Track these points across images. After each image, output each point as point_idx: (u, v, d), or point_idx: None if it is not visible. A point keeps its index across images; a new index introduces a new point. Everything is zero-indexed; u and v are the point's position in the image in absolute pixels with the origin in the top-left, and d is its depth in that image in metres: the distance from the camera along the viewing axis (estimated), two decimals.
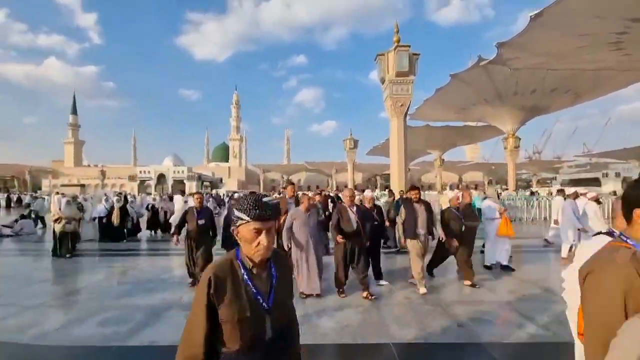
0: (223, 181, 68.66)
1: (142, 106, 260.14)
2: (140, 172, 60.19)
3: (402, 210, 4.72)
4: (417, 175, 72.63)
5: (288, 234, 4.27)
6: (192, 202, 5.53)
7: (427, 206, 4.61)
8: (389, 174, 16.87)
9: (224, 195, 23.87)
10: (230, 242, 5.24)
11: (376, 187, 62.10)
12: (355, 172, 37.83)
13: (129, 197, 12.32)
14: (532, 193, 21.22)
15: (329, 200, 9.27)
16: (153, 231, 10.20)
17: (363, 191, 10.21)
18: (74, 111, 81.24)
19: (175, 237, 4.73)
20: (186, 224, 4.72)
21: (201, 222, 4.64)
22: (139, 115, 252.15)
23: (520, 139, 28.06)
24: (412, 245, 4.50)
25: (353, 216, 4.25)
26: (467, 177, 73.80)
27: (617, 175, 53.11)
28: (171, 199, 10.79)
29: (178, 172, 58.91)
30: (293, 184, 5.70)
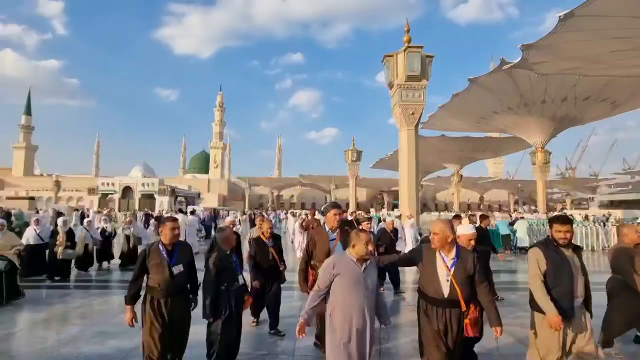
0: (201, 196, 68.32)
1: (110, 107, 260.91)
2: (103, 184, 59.83)
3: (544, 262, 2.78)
4: (431, 193, 72.94)
5: (316, 299, 2.62)
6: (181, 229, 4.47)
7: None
8: (397, 191, 16.88)
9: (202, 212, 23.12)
10: (219, 310, 3.23)
11: (382, 206, 62.14)
12: (358, 187, 37.93)
13: (85, 216, 11.90)
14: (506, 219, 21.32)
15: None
16: (104, 262, 9.28)
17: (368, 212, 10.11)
18: (28, 111, 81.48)
19: (129, 312, 2.99)
20: (147, 276, 3.05)
21: (177, 269, 3.05)
22: (105, 118, 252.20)
23: (550, 153, 28.52)
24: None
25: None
26: (490, 195, 74.25)
27: None
28: (144, 220, 10.55)
29: (147, 184, 58.55)
30: (339, 207, 3.83)
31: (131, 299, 3.02)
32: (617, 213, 30.62)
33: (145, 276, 3.07)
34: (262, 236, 4.63)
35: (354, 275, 2.53)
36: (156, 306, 3.00)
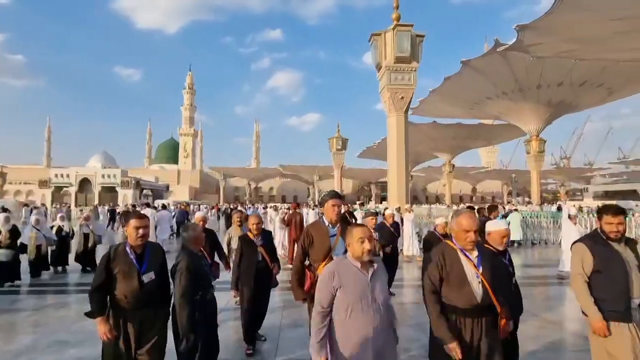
0: (170, 188, 66.98)
1: (62, 88, 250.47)
2: (56, 175, 57.58)
3: None
4: (422, 184, 74.26)
5: (322, 321, 2.21)
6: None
7: None
8: (385, 182, 17.08)
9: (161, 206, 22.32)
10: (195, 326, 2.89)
11: (370, 198, 62.83)
12: (343, 178, 38.17)
13: (34, 213, 11.03)
14: (560, 208, 22.16)
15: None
16: (59, 267, 8.83)
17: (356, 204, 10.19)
18: None
19: (101, 325, 2.65)
20: (114, 286, 2.67)
21: (147, 277, 2.72)
22: (57, 100, 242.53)
23: (545, 141, 29.49)
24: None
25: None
26: (483, 187, 76.36)
27: None
28: (121, 214, 10.25)
29: (108, 176, 56.83)
30: (339, 196, 3.41)
31: (99, 310, 2.67)
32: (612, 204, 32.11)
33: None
34: (249, 234, 4.30)
35: (359, 287, 2.15)
36: (121, 322, 2.69)
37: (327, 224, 3.30)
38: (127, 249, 2.72)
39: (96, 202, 50.42)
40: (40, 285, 7.64)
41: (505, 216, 14.87)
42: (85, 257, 8.72)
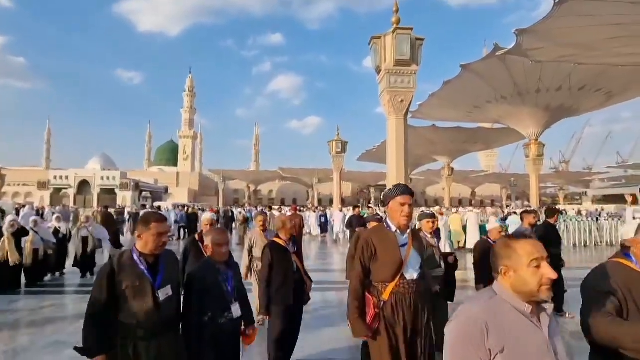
0: (169, 190, 66.94)
1: (63, 90, 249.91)
2: (55, 177, 57.52)
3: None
4: (421, 187, 74.31)
5: None
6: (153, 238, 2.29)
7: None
8: (384, 185, 17.07)
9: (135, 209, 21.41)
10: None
11: (369, 202, 62.78)
12: (343, 182, 38.16)
13: (30, 216, 10.39)
14: (560, 213, 22.24)
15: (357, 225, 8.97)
16: (56, 273, 8.35)
17: (359, 207, 10.42)
18: None
19: None
20: (120, 308, 2.06)
21: (164, 293, 2.13)
22: (58, 102, 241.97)
23: (544, 145, 29.53)
24: None
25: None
26: (482, 190, 76.43)
27: None
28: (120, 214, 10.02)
29: (107, 178, 56.80)
30: (410, 192, 2.50)
31: (98, 345, 1.97)
32: (610, 208, 32.21)
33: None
34: (278, 240, 3.47)
35: (535, 351, 1.21)
36: (132, 355, 1.99)
37: (394, 229, 2.43)
38: (135, 257, 2.09)
39: (95, 203, 50.38)
40: (37, 285, 7.61)
41: (504, 219, 14.95)
42: (84, 262, 8.21)
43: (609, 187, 68.60)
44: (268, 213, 21.09)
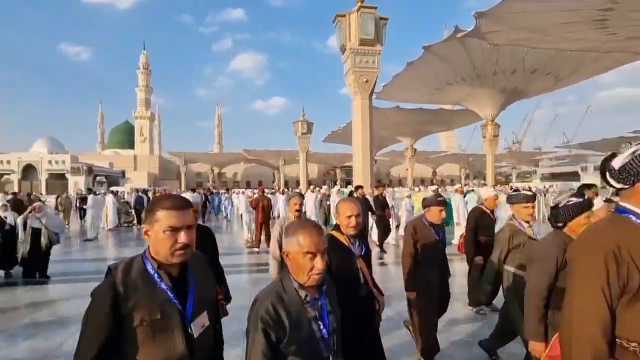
0: (126, 175, 63.68)
1: (1, 67, 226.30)
2: None
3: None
4: (385, 169, 76.13)
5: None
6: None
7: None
8: (350, 166, 17.32)
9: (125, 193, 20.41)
10: None
11: (335, 183, 63.49)
12: (309, 163, 38.18)
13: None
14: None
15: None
16: (2, 271, 7.15)
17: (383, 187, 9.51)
18: None
19: None
20: (131, 355, 1.22)
21: (198, 326, 1.33)
22: None
23: (499, 126, 31.14)
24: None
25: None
26: (443, 170, 79.68)
27: (596, 169, 62.31)
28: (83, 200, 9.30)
29: (56, 162, 52.85)
30: None
31: None
32: (557, 185, 34.89)
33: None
34: (338, 235, 2.31)
35: None
36: None
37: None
38: (151, 270, 1.28)
39: (43, 190, 46.99)
40: None
41: (465, 195, 15.75)
42: (35, 262, 6.77)
43: (556, 165, 74.03)
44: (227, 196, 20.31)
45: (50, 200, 20.05)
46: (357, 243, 2.33)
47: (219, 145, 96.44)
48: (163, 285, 1.26)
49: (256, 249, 9.45)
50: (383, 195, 9.40)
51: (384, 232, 9.27)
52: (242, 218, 12.12)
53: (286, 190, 25.60)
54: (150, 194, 16.94)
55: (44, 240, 6.74)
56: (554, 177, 60.24)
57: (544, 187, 31.32)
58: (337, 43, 13.52)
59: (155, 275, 1.28)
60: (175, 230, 1.26)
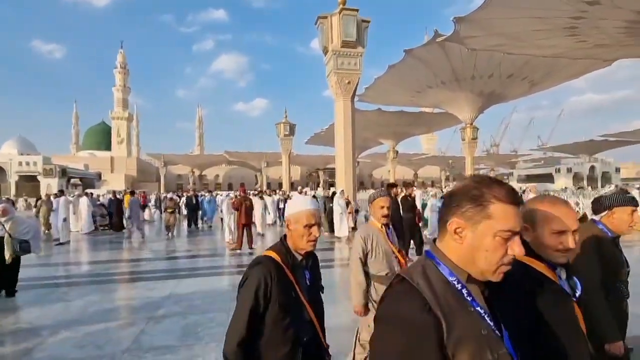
0: (103, 177, 61.84)
1: None
2: None
3: None
4: (368, 170, 76.82)
5: None
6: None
7: None
8: (333, 168, 17.42)
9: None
10: None
11: (318, 185, 63.53)
12: (291, 165, 38.13)
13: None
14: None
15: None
16: None
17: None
18: None
19: None
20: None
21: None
22: None
23: (478, 129, 31.97)
24: None
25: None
26: (424, 172, 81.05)
27: (569, 170, 64.97)
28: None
29: (27, 163, 50.77)
30: None
31: None
32: (532, 186, 36.04)
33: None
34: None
35: None
36: None
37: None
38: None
39: (13, 193, 45.04)
40: None
41: (442, 197, 16.17)
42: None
43: (531, 167, 76.65)
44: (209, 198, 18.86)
45: (21, 203, 19.19)
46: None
47: (200, 147, 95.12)
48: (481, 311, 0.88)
49: (238, 251, 9.36)
50: (412, 196, 8.43)
51: (419, 240, 8.00)
52: (222, 221, 12.02)
53: (275, 191, 25.22)
54: (118, 196, 15.77)
55: (7, 252, 5.47)
56: (529, 179, 62.30)
57: (520, 188, 32.33)
58: (320, 45, 13.60)
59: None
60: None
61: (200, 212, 16.15)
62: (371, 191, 18.10)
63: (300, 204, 1.61)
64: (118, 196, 15.57)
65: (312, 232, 1.55)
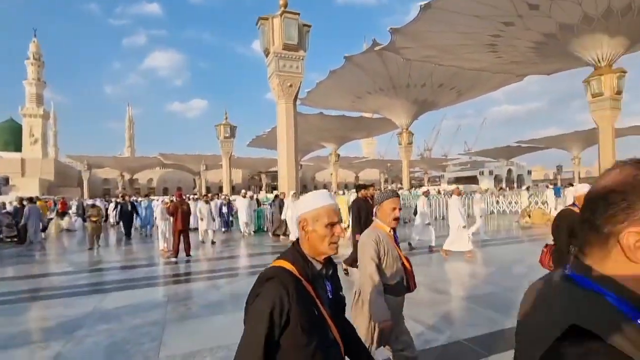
0: (11, 181, 54.36)
1: None
2: None
3: None
4: (311, 173, 77.55)
5: None
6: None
7: None
8: (276, 172, 17.28)
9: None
10: None
11: (260, 188, 62.60)
12: (233, 168, 37.05)
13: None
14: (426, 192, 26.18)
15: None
16: None
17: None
18: None
19: None
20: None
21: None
22: None
23: (413, 134, 34.03)
24: None
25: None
26: (364, 175, 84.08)
27: (491, 173, 72.14)
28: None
29: None
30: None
31: None
32: (455, 188, 39.27)
33: None
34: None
35: None
36: None
37: None
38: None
39: None
40: None
41: None
42: None
43: (459, 170, 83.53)
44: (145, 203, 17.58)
45: None
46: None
47: (131, 149, 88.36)
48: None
49: (174, 259, 8.81)
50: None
51: None
52: (157, 227, 11.20)
53: (216, 195, 24.03)
54: (21, 203, 13.92)
55: None
56: (458, 180, 67.70)
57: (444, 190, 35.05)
58: (261, 46, 13.43)
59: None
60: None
61: (137, 220, 14.79)
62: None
63: (319, 199, 1.38)
64: (26, 203, 13.71)
65: (334, 231, 1.34)
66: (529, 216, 14.72)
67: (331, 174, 53.69)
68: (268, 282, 1.23)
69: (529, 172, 76.07)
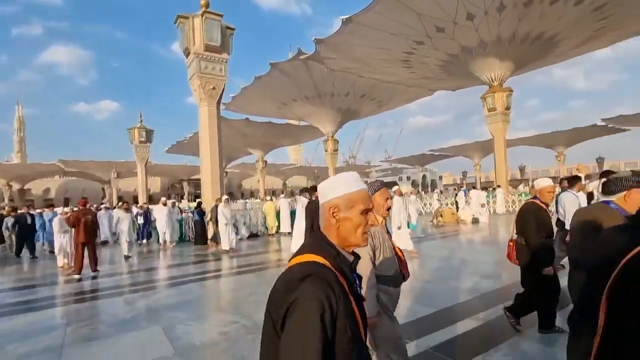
0: None
1: None
2: None
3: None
4: (237, 180, 75.40)
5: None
6: None
7: None
8: (199, 179, 16.52)
9: None
10: None
11: (182, 197, 58.96)
12: (149, 176, 34.28)
13: None
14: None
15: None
16: None
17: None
18: None
19: None
20: None
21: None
22: None
23: (338, 141, 35.33)
24: None
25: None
26: (292, 181, 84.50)
27: (408, 178, 78.39)
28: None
29: None
30: None
31: None
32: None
33: None
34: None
35: None
36: None
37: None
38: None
39: None
40: None
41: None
42: None
43: (381, 176, 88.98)
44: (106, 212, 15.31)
45: None
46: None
47: (21, 154, 76.37)
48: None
49: (77, 276, 7.82)
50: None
51: None
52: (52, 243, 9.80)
53: (134, 204, 21.88)
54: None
55: None
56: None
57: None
58: (180, 46, 12.77)
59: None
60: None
61: (41, 235, 12.76)
62: (241, 201, 17.69)
63: (352, 183, 1.21)
64: None
65: (369, 219, 1.19)
66: (441, 216, 16.28)
67: (258, 181, 52.87)
68: (305, 281, 1.01)
69: (440, 178, 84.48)
